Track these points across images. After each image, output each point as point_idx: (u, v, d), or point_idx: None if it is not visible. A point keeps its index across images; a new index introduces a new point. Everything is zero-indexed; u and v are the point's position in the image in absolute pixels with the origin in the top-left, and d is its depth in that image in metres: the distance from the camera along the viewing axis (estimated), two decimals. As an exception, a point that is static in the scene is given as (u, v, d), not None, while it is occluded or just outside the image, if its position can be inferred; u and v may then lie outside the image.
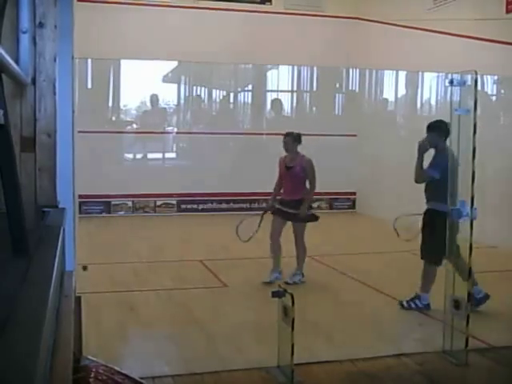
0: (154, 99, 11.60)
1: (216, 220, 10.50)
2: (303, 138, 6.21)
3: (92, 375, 2.78)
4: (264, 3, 11.99)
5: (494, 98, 9.39)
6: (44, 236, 2.11)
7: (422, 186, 5.40)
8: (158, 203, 11.24)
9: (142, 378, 3.24)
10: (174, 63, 11.82)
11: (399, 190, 9.93)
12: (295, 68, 12.12)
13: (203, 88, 12.06)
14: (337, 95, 12.70)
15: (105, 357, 3.37)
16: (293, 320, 3.72)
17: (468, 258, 4.18)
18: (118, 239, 8.68)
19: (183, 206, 11.38)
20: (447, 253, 4.43)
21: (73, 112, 2.96)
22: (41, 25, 2.54)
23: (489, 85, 9.27)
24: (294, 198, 6.12)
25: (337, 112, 12.73)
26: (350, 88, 12.72)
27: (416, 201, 5.81)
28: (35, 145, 2.57)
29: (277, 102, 12.24)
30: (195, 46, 10.62)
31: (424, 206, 5.35)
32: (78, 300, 3.09)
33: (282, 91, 12.25)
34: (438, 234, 4.68)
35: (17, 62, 2.37)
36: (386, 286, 6.15)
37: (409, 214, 5.83)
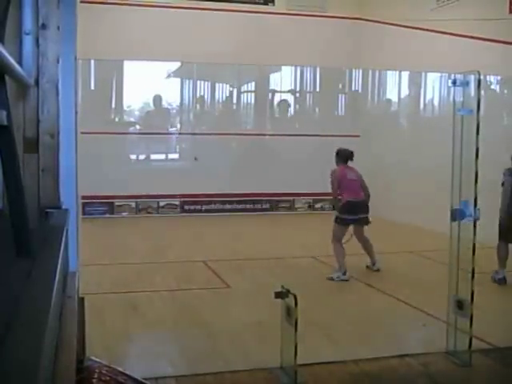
0: (157, 100, 11.61)
1: (219, 221, 10.50)
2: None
3: (95, 376, 2.78)
4: (267, 4, 12.00)
5: (497, 98, 9.36)
6: (47, 237, 2.11)
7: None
8: (162, 204, 11.25)
9: (145, 379, 3.24)
10: (177, 64, 11.83)
11: (402, 190, 9.93)
12: (298, 69, 12.13)
13: (206, 89, 12.07)
14: (340, 96, 12.70)
15: (108, 357, 3.38)
16: (296, 320, 3.71)
17: (471, 258, 4.16)
18: (121, 240, 8.69)
19: (186, 207, 11.39)
20: None
21: (76, 113, 2.96)
22: (44, 26, 2.54)
23: (492, 85, 9.25)
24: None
25: (340, 112, 12.73)
26: (353, 88, 12.72)
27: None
28: (38, 146, 2.57)
29: (284, 103, 12.24)
30: (198, 47, 10.63)
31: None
32: (82, 301, 3.09)
33: (284, 92, 12.25)
34: None
35: (20, 63, 2.37)
36: (390, 286, 6.14)
37: None
